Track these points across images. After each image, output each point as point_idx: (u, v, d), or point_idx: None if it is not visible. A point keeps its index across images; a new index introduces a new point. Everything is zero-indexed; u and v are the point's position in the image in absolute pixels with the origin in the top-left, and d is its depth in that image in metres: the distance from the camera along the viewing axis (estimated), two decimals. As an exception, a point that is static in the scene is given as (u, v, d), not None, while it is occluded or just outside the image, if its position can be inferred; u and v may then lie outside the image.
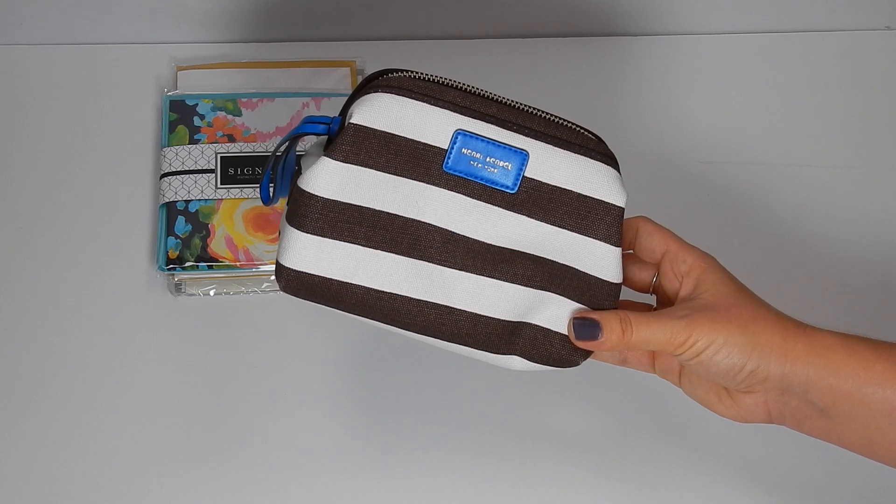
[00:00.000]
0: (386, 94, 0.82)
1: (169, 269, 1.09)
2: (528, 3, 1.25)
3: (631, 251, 0.90)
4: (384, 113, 0.82)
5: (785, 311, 0.86)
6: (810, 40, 1.28)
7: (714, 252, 0.89)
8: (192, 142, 1.15)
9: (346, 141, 0.82)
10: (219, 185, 1.13)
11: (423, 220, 0.84)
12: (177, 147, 1.15)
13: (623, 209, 0.85)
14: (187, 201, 1.12)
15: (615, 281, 0.86)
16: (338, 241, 0.83)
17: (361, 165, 0.82)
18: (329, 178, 0.82)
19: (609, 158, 0.85)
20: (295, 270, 0.83)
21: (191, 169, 1.14)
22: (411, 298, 0.84)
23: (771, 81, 1.25)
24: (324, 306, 0.86)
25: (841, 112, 1.24)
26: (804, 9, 1.27)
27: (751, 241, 1.15)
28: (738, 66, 1.27)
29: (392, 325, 0.86)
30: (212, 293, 1.10)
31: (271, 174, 0.88)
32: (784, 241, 1.15)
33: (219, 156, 1.14)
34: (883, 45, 1.28)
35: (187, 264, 1.09)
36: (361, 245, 0.83)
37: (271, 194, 0.89)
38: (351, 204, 0.82)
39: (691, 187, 1.18)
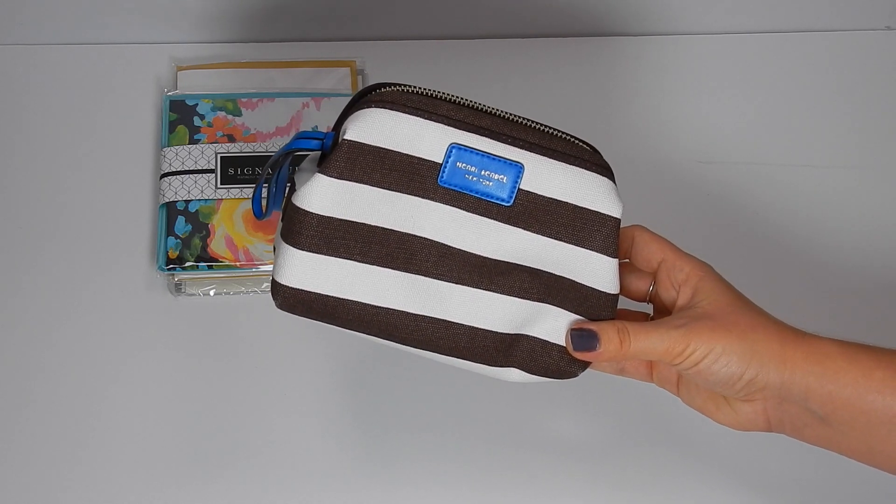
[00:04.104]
0: (379, 109, 0.81)
1: (169, 269, 1.10)
2: (527, 3, 1.24)
3: (627, 260, 0.90)
4: (378, 128, 0.81)
5: (782, 311, 0.86)
6: (810, 40, 1.28)
7: (713, 252, 0.89)
8: (192, 142, 1.15)
9: (340, 157, 0.81)
10: (219, 185, 1.13)
11: (418, 234, 0.83)
12: (177, 147, 1.15)
13: (619, 220, 0.85)
14: (187, 201, 1.12)
15: (612, 292, 0.86)
16: (333, 258, 0.82)
17: (356, 181, 0.82)
18: (324, 195, 0.81)
19: (604, 169, 0.85)
20: (291, 288, 0.83)
21: (191, 169, 1.14)
22: (408, 313, 0.84)
23: (770, 81, 1.25)
24: (321, 323, 0.85)
25: (841, 112, 1.24)
26: (804, 9, 1.27)
27: (750, 240, 1.15)
28: (737, 66, 1.26)
29: (390, 340, 0.86)
30: (212, 293, 1.11)
31: (264, 188, 0.88)
32: (783, 241, 1.15)
33: (219, 156, 1.14)
34: (883, 45, 1.28)
35: (187, 264, 1.10)
36: (357, 261, 0.83)
37: (264, 209, 0.89)
38: (346, 220, 0.82)
39: (690, 187, 1.18)
